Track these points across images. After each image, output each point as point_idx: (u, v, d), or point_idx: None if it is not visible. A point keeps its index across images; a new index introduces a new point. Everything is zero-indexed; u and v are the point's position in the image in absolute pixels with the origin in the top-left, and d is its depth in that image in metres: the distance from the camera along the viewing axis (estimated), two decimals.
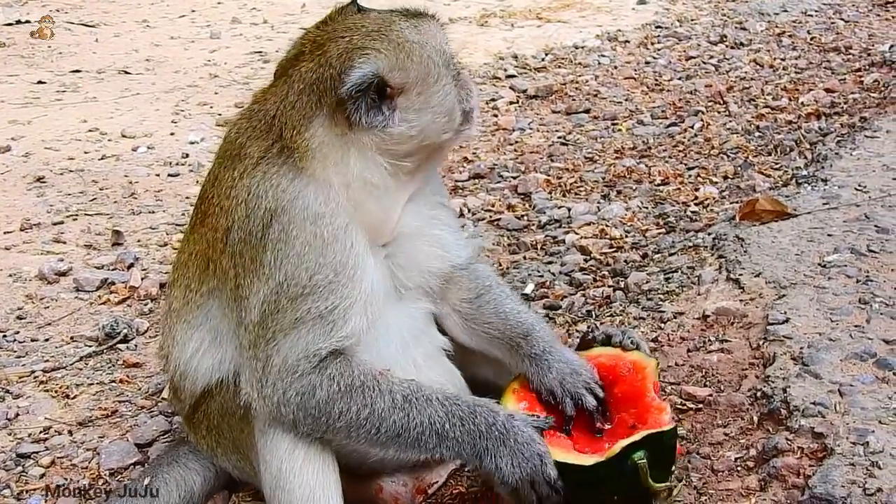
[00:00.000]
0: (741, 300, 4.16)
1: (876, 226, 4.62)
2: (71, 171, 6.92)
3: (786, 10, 10.50)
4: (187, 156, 7.18)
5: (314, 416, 3.03)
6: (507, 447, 2.96)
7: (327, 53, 3.13)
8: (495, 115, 7.84)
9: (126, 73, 9.57)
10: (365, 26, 3.18)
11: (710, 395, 3.68)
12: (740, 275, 4.33)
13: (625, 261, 5.08)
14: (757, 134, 6.95)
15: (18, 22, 11.55)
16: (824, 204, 4.98)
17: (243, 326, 3.10)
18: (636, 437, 3.01)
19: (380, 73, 3.07)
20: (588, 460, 3.01)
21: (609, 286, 4.80)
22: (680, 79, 8.49)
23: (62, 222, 6.08)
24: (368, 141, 3.10)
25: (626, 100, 8.05)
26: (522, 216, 5.90)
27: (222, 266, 3.19)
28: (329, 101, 3.08)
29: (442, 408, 3.02)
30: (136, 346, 4.70)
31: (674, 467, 3.14)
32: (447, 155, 3.54)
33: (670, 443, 3.08)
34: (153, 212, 6.26)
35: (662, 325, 4.19)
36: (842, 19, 10.01)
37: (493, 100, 8.19)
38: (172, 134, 7.70)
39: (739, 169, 6.28)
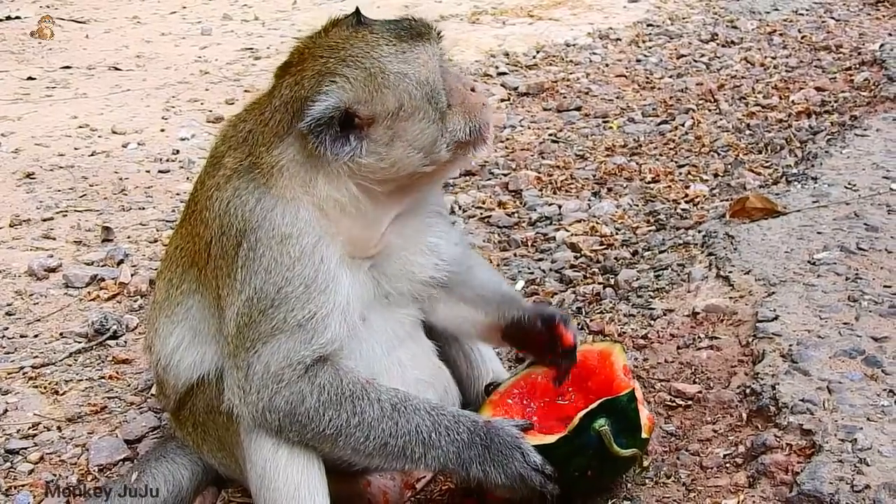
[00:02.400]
0: (731, 297, 4.17)
1: (865, 224, 4.64)
2: (61, 167, 6.90)
3: (777, 9, 10.51)
4: (178, 152, 7.17)
5: (302, 423, 3.01)
6: (490, 452, 2.97)
7: (303, 72, 3.06)
8: None
9: (116, 69, 9.55)
10: (346, 48, 3.05)
11: (700, 392, 3.69)
12: (730, 272, 4.34)
13: (615, 258, 5.08)
14: (747, 132, 6.95)
15: (9, 18, 11.53)
16: (814, 202, 4.99)
17: (223, 337, 3.12)
18: (593, 405, 3.06)
19: (344, 104, 2.97)
20: (551, 438, 3.05)
21: (599, 283, 4.81)
22: (671, 77, 8.50)
23: (52, 218, 6.06)
24: (337, 168, 3.03)
25: (618, 97, 8.05)
26: (513, 213, 5.90)
27: (206, 275, 3.20)
28: (298, 125, 2.99)
29: (429, 417, 3.01)
30: (125, 342, 4.68)
31: (644, 433, 3.14)
32: (446, 177, 3.44)
33: (630, 406, 3.09)
34: (143, 208, 6.25)
35: (652, 322, 4.20)
36: (833, 18, 10.02)
37: None
38: (163, 130, 7.68)
39: (730, 167, 6.29)
